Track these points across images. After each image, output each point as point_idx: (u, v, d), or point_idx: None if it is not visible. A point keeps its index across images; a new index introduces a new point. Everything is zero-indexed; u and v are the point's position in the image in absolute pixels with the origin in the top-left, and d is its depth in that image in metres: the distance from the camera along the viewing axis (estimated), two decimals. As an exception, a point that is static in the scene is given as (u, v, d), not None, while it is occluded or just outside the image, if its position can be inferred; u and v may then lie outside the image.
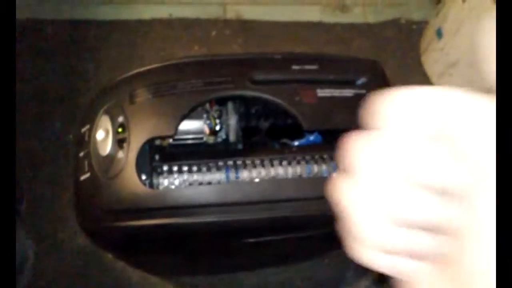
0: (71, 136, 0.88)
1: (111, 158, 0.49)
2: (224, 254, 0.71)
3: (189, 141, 0.59)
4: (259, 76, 0.53)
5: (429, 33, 1.05)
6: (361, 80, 0.55)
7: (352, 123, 0.51)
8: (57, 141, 0.87)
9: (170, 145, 0.58)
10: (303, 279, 0.82)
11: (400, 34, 1.09)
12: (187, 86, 0.52)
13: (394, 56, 1.07)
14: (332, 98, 0.53)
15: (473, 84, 0.19)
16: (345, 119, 0.53)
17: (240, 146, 0.62)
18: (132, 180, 0.48)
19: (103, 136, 0.50)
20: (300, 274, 0.82)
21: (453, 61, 0.99)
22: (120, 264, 0.79)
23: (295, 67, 0.55)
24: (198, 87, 0.52)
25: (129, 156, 0.49)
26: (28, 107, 0.89)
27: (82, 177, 0.51)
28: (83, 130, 0.53)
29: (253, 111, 0.63)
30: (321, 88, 0.54)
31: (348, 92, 0.54)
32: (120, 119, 0.50)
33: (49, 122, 0.89)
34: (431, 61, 1.06)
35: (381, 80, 0.57)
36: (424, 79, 1.06)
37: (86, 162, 0.51)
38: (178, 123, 0.50)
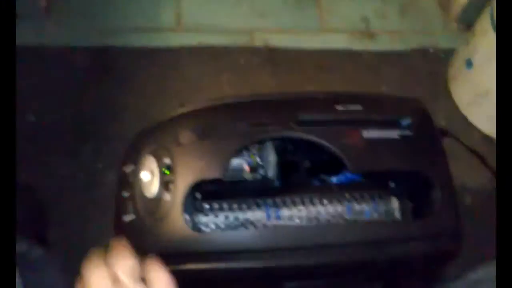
0: (100, 166, 0.89)
1: (157, 200, 0.49)
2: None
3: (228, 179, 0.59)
4: (304, 117, 0.53)
5: (458, 62, 1.04)
6: (405, 121, 0.55)
7: (399, 165, 0.51)
8: (87, 170, 0.88)
9: (210, 182, 0.58)
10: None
11: (428, 62, 1.09)
12: (233, 127, 0.52)
13: (421, 84, 1.07)
14: (377, 139, 0.53)
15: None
16: (391, 161, 0.53)
17: (277, 183, 0.62)
18: (178, 223, 0.48)
19: (149, 178, 0.50)
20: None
21: (483, 91, 0.98)
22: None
23: (339, 107, 0.55)
24: (244, 128, 0.52)
25: (176, 198, 0.48)
26: (60, 135, 0.90)
27: (127, 219, 0.51)
28: (127, 170, 0.53)
29: (290, 147, 0.63)
30: (366, 129, 0.53)
31: (393, 134, 0.54)
32: (167, 160, 0.50)
33: (80, 151, 0.89)
34: (459, 90, 1.05)
35: (425, 121, 0.56)
36: (452, 108, 1.05)
37: (130, 203, 0.51)
38: (226, 165, 0.49)
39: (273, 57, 1.04)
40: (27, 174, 0.82)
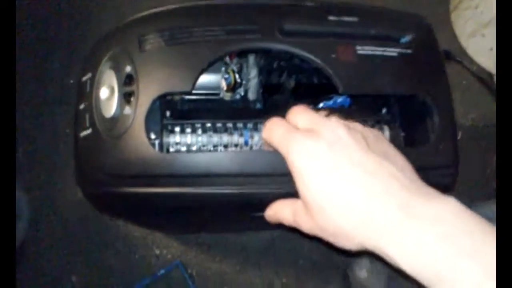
0: (71, 81, 0.81)
1: (116, 114, 0.43)
2: (231, 221, 0.66)
3: (203, 97, 0.52)
4: (290, 26, 0.46)
5: (463, -13, 0.95)
6: (406, 38, 0.48)
7: (395, 87, 0.44)
8: (56, 85, 0.80)
9: (182, 100, 0.52)
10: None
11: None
12: (207, 33, 0.44)
13: (422, 12, 0.98)
14: (373, 57, 0.46)
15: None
16: (387, 82, 0.46)
17: (259, 105, 0.55)
18: (140, 141, 0.42)
19: (107, 88, 0.43)
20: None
21: (487, 21, 0.90)
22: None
23: (331, 17, 0.47)
24: (220, 35, 0.44)
25: (137, 113, 0.42)
26: (28, 48, 0.81)
27: (83, 134, 0.45)
28: (84, 78, 0.46)
29: (275, 65, 0.56)
30: (361, 44, 0.46)
31: (391, 51, 0.47)
32: (128, 69, 0.43)
33: (48, 64, 0.81)
34: (461, 20, 0.97)
35: (427, 39, 0.49)
36: (452, 39, 0.98)
37: (87, 117, 0.45)
38: (196, 78, 0.42)
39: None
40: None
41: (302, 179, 0.33)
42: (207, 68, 0.43)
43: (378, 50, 0.46)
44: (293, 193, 0.37)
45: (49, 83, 0.80)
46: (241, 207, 0.46)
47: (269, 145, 0.39)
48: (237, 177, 0.43)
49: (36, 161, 0.76)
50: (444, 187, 0.46)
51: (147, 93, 0.42)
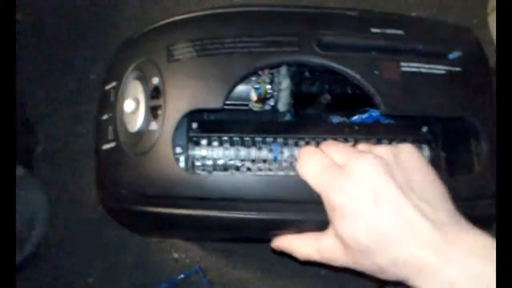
0: (93, 77, 0.78)
1: (142, 129, 0.40)
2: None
3: (231, 107, 0.49)
4: (330, 38, 0.42)
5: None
6: (455, 54, 0.44)
7: (442, 108, 0.41)
8: (77, 82, 0.78)
9: (209, 110, 0.49)
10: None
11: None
12: (241, 44, 0.41)
13: (458, 15, 0.93)
14: (418, 74, 0.43)
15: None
16: (434, 103, 0.43)
17: (289, 117, 0.52)
18: (166, 160, 0.39)
19: (132, 100, 0.40)
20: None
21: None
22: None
23: (374, 30, 0.44)
24: (255, 47, 0.41)
25: (164, 129, 0.39)
26: (49, 45, 0.78)
27: (105, 146, 0.42)
28: (107, 87, 0.44)
29: (307, 75, 0.52)
30: (406, 60, 0.43)
31: (438, 68, 0.43)
32: (155, 80, 0.40)
33: (69, 61, 0.78)
34: (500, 23, 0.92)
35: (477, 56, 0.46)
36: (488, 43, 0.93)
37: (110, 129, 0.42)
38: (228, 94, 0.39)
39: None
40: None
41: (343, 219, 0.34)
42: (239, 83, 0.40)
43: (424, 67, 0.43)
44: (320, 221, 0.37)
45: (70, 80, 0.78)
46: (266, 231, 0.44)
47: (303, 178, 0.38)
48: (266, 202, 0.40)
49: (55, 161, 0.74)
50: (486, 218, 0.43)
51: (175, 108, 0.39)
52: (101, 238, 0.72)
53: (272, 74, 0.49)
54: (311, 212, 0.39)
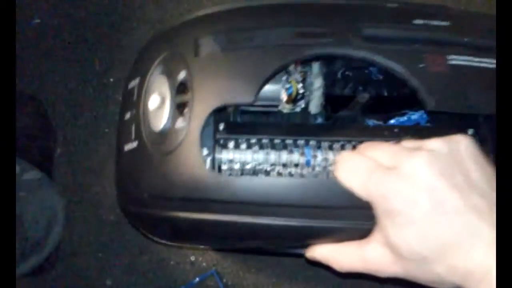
0: (111, 80, 0.77)
1: (167, 127, 0.37)
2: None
3: (260, 108, 0.46)
4: (370, 30, 0.39)
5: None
6: (506, 47, 0.40)
7: (492, 105, 0.37)
8: (96, 84, 0.77)
9: (236, 111, 0.46)
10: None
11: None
12: (272, 37, 0.38)
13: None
14: (467, 68, 0.39)
15: None
16: (483, 99, 0.39)
17: (321, 119, 0.49)
18: (193, 160, 0.36)
19: (157, 97, 0.37)
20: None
21: None
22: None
23: (417, 21, 0.40)
24: (288, 39, 0.38)
25: (191, 127, 0.36)
26: (67, 48, 0.78)
27: (127, 147, 0.40)
28: (131, 85, 0.41)
29: (340, 75, 0.49)
30: (453, 53, 0.39)
31: (488, 62, 0.39)
32: (182, 75, 0.38)
33: (88, 64, 0.77)
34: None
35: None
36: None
37: (133, 128, 0.39)
38: (260, 88, 0.36)
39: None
40: (30, 81, 0.75)
41: (399, 227, 0.31)
42: (272, 77, 0.37)
43: (474, 61, 0.39)
44: (359, 229, 0.35)
45: (89, 83, 0.77)
46: (302, 239, 0.40)
47: (346, 185, 0.35)
48: (299, 208, 0.36)
49: (73, 163, 0.74)
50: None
51: (203, 104, 0.36)
52: (118, 240, 0.72)
53: (304, 72, 0.46)
54: (350, 220, 0.36)
